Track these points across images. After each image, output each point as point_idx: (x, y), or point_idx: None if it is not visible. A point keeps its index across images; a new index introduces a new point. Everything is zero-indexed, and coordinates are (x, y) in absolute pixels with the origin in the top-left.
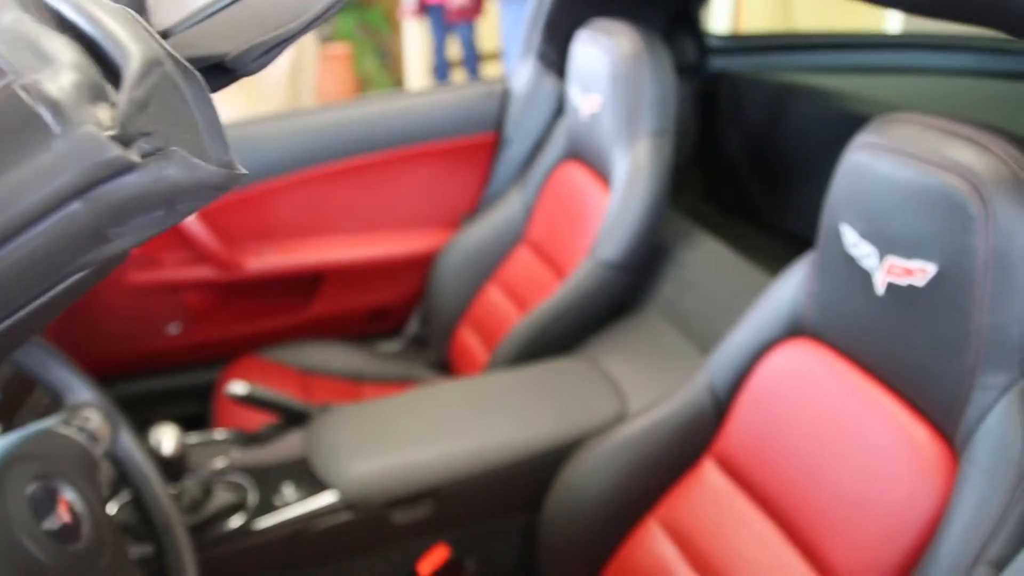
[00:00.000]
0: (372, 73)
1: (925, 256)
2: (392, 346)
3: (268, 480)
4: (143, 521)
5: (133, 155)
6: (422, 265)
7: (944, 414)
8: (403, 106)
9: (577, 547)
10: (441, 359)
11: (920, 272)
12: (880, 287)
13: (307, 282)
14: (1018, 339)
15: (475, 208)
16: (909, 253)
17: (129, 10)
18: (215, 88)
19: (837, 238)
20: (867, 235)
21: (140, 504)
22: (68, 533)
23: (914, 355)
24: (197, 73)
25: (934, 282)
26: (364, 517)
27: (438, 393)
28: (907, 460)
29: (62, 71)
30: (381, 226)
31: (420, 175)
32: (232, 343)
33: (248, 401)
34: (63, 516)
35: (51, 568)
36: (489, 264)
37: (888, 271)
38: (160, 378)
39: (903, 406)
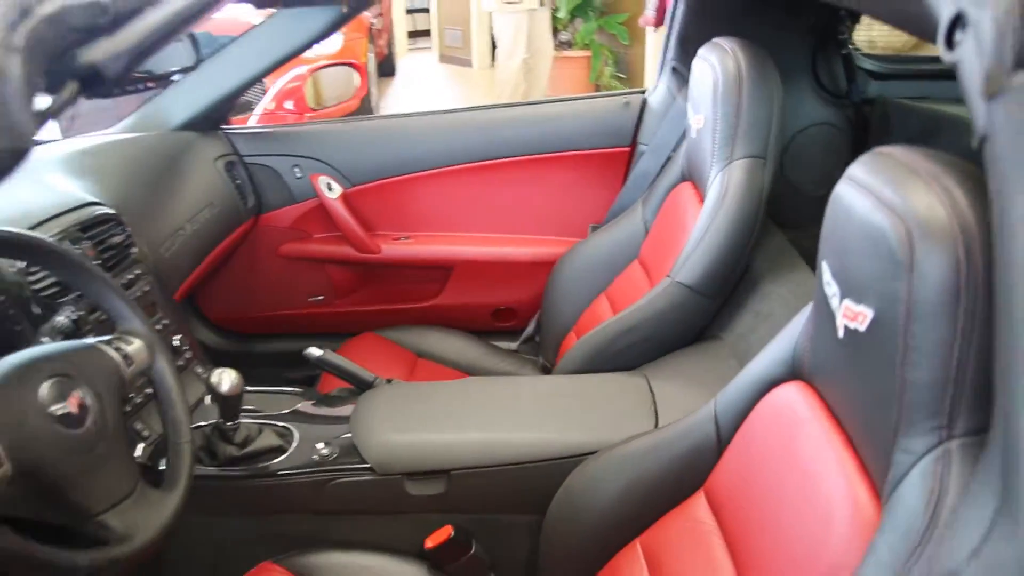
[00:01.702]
0: (608, 82)
1: (867, 300)
2: (511, 344)
3: (315, 434)
4: (163, 436)
5: None
6: (548, 269)
7: (879, 475)
8: (544, 113)
9: (573, 556)
10: (550, 364)
11: (862, 317)
12: (840, 330)
13: (439, 272)
14: (931, 403)
15: (604, 219)
16: (857, 296)
17: None
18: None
19: (821, 275)
20: (835, 273)
21: (163, 420)
22: (72, 420)
23: (860, 407)
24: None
25: (871, 329)
26: (382, 481)
27: (487, 386)
28: (849, 523)
29: None
30: (513, 227)
31: (554, 182)
32: (365, 319)
33: (320, 365)
34: (71, 407)
35: (44, 439)
36: (605, 277)
37: (843, 313)
38: (298, 341)
39: (855, 462)
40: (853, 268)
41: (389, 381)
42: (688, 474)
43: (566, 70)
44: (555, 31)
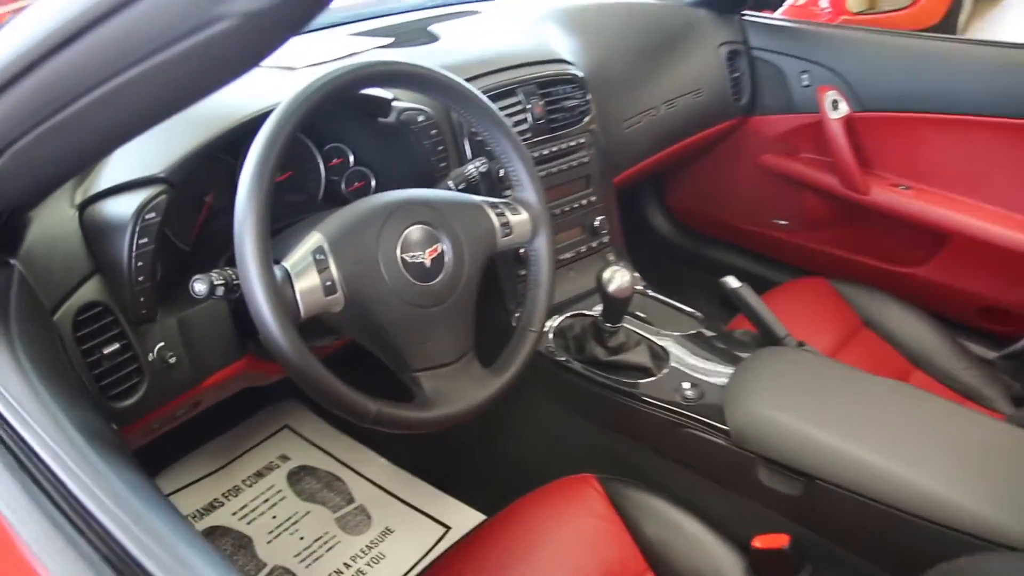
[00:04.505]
0: None
1: None
2: (987, 353)
3: (691, 369)
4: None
5: None
6: None
7: None
8: None
9: None
10: None
11: None
12: None
13: (930, 238)
14: None
15: None
16: None
17: None
18: None
19: None
20: None
21: (523, 298)
22: (420, 272)
23: None
24: None
25: None
26: (735, 454)
27: (915, 400)
28: None
29: None
30: None
31: None
32: (824, 262)
33: (732, 298)
34: (425, 258)
35: (384, 282)
36: None
37: None
38: (742, 257)
39: None
40: None
41: (802, 344)
42: None
43: None
44: None
